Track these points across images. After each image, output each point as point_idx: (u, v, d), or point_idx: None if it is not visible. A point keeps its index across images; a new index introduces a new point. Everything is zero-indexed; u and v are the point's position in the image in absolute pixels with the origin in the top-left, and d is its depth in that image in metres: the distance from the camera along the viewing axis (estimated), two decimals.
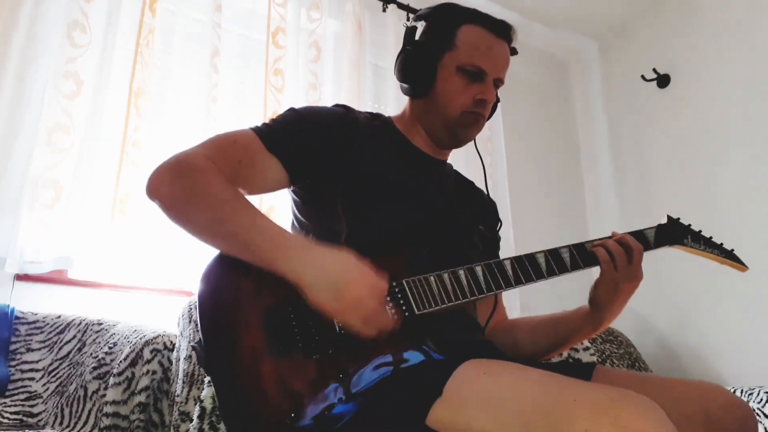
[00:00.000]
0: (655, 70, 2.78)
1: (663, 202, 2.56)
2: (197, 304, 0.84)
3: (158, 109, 1.95)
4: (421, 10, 1.17)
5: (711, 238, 1.14)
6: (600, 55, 3.18)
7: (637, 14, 2.95)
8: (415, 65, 1.10)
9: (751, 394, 1.87)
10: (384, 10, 2.50)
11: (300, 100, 2.16)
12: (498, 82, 1.12)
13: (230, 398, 0.78)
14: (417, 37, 1.14)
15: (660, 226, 1.11)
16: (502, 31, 1.12)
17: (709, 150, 2.53)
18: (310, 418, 0.76)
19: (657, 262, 2.63)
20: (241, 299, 0.85)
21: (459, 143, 1.15)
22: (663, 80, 2.76)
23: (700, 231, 1.14)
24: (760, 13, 2.41)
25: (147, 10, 1.95)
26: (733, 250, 1.15)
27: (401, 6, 2.51)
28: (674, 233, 1.11)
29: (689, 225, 1.14)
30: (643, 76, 2.80)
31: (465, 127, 1.11)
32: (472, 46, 1.08)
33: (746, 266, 1.14)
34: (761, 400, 1.81)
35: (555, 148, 3.12)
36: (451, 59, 1.08)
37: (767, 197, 2.28)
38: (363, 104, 2.26)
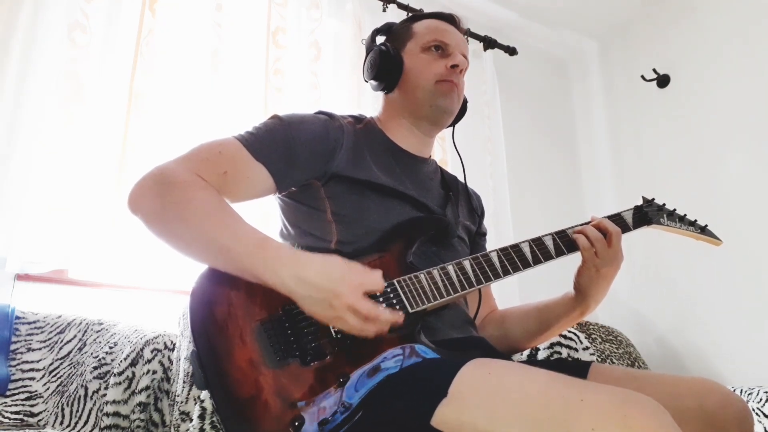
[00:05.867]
0: (655, 70, 2.78)
1: (663, 202, 2.56)
2: (189, 321, 0.83)
3: (158, 109, 1.94)
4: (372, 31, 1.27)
5: (685, 215, 1.17)
6: (600, 55, 3.18)
7: (637, 14, 2.95)
8: (382, 61, 1.16)
9: (750, 393, 1.87)
10: (384, 10, 2.50)
11: (300, 100, 2.16)
12: (464, 59, 1.18)
13: (231, 413, 0.77)
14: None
15: (636, 207, 1.14)
16: (449, 18, 1.21)
17: (709, 150, 2.53)
18: (314, 425, 0.76)
19: (657, 261, 2.64)
20: (234, 312, 0.84)
21: (442, 115, 1.16)
22: (663, 80, 2.77)
23: (675, 209, 1.17)
24: (760, 14, 2.42)
25: (147, 10, 1.96)
26: (707, 225, 1.17)
27: (401, 6, 2.51)
28: (651, 213, 1.13)
29: (664, 204, 1.16)
30: (643, 76, 2.80)
31: (443, 95, 1.14)
32: (430, 28, 1.18)
33: (720, 240, 1.16)
34: (761, 399, 1.81)
35: (555, 148, 3.12)
36: (413, 45, 1.16)
37: (767, 197, 2.28)
38: (363, 104, 2.26)
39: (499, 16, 2.93)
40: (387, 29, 1.25)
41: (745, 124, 2.41)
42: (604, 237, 1.03)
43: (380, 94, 1.22)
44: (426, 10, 2.57)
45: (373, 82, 1.19)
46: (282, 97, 2.13)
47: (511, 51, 2.87)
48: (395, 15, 2.52)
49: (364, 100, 2.28)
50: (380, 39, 1.25)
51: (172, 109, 1.98)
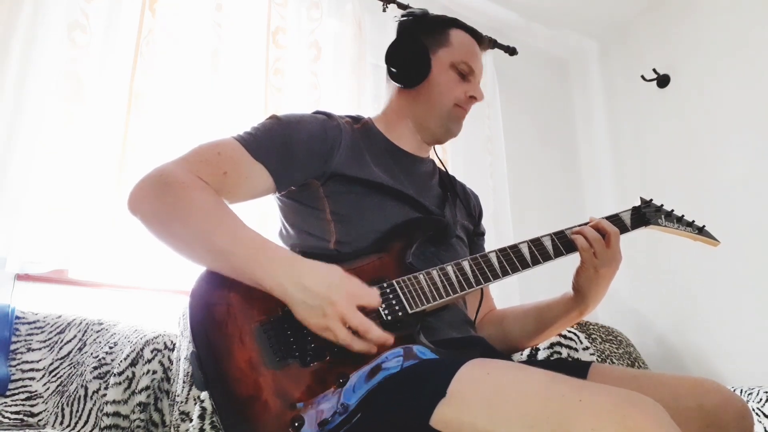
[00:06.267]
0: (655, 70, 2.78)
1: (663, 202, 2.56)
2: (189, 322, 0.83)
3: (158, 108, 1.94)
4: (408, 10, 1.25)
5: (683, 216, 1.17)
6: (600, 55, 3.18)
7: (637, 14, 2.95)
8: (411, 53, 1.14)
9: (750, 393, 1.87)
10: (384, 10, 2.50)
11: (300, 100, 2.16)
12: (481, 92, 1.19)
13: (231, 414, 0.77)
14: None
15: (634, 207, 1.14)
16: (483, 41, 1.21)
17: (709, 150, 2.53)
18: (314, 426, 0.76)
19: (657, 261, 2.64)
20: (233, 313, 0.84)
21: (447, 136, 1.19)
22: (663, 80, 2.77)
23: (672, 210, 1.17)
24: (760, 14, 2.42)
25: (147, 10, 1.96)
26: (704, 226, 1.17)
27: (401, 6, 2.51)
28: (648, 214, 1.13)
29: (662, 205, 1.17)
30: (643, 76, 2.80)
31: (455, 120, 1.16)
32: (466, 47, 1.16)
33: (718, 241, 1.16)
34: (761, 399, 1.81)
35: (555, 148, 3.12)
36: (445, 54, 1.15)
37: (767, 197, 2.28)
38: (363, 104, 2.26)
39: (499, 16, 2.93)
40: (423, 16, 1.20)
41: (745, 124, 2.41)
42: (603, 238, 1.03)
43: (391, 85, 1.20)
44: (425, 11, 2.57)
45: (393, 70, 1.16)
46: (282, 97, 2.14)
47: (511, 51, 2.87)
48: (395, 15, 2.52)
49: (364, 100, 2.28)
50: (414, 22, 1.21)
51: (172, 109, 1.98)
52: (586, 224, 1.06)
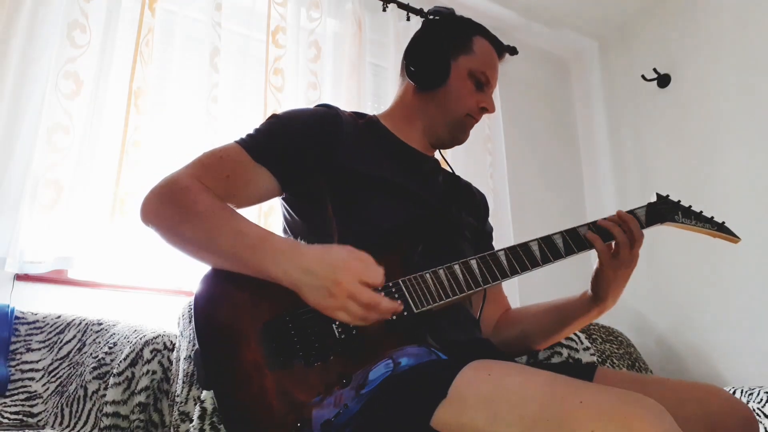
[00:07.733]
0: (655, 70, 2.78)
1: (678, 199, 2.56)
2: (194, 321, 0.84)
3: (158, 108, 1.95)
4: (435, 7, 1.21)
5: (701, 212, 1.13)
6: (600, 54, 3.18)
7: (637, 14, 2.95)
8: (433, 56, 1.13)
9: (751, 394, 1.87)
10: (384, 10, 2.50)
11: (300, 100, 2.16)
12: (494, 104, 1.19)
13: (235, 414, 0.77)
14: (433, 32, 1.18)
15: (650, 204, 1.11)
16: (502, 53, 1.20)
17: (709, 149, 2.53)
18: (317, 426, 0.76)
19: (658, 261, 2.64)
20: (239, 314, 0.84)
21: (454, 143, 1.19)
22: (663, 80, 2.76)
23: (690, 206, 1.14)
24: (760, 14, 2.41)
25: (147, 10, 1.95)
26: (724, 222, 1.13)
27: (401, 6, 2.51)
28: (665, 210, 1.11)
29: (679, 201, 1.14)
30: (643, 76, 2.80)
31: (464, 129, 1.16)
32: (486, 56, 1.15)
33: (739, 237, 1.12)
34: (761, 400, 1.81)
35: (555, 147, 3.12)
36: (466, 62, 1.13)
37: (766, 196, 2.28)
38: (363, 104, 2.26)
39: (500, 16, 2.93)
40: (449, 17, 1.19)
41: (745, 123, 2.41)
42: (630, 242, 1.01)
43: (406, 83, 1.18)
44: (426, 10, 2.57)
45: (411, 69, 1.14)
46: (282, 97, 2.13)
47: (512, 51, 2.86)
48: (395, 15, 2.52)
49: (364, 100, 2.28)
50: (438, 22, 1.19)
51: (171, 109, 1.98)
52: (608, 219, 1.03)
